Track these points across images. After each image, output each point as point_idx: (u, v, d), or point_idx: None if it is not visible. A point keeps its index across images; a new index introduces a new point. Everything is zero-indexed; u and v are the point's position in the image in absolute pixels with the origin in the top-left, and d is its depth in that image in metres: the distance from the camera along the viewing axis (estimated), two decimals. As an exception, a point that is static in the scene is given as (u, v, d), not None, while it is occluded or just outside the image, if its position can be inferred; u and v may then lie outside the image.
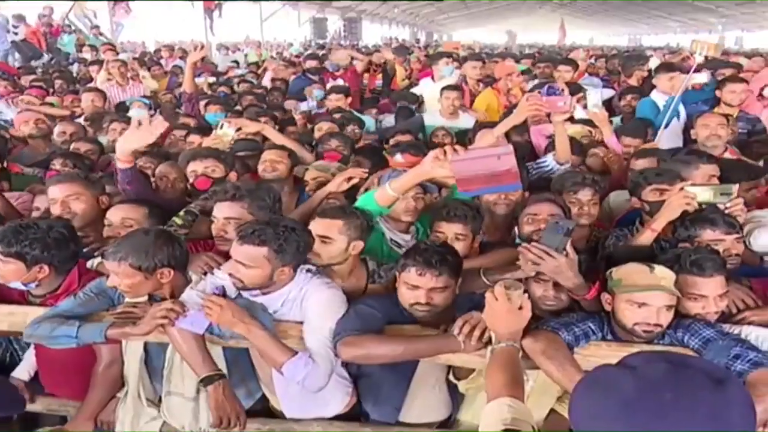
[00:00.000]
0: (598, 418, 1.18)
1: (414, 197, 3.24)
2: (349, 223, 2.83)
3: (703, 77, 5.65)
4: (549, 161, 3.97)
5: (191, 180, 3.63)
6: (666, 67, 5.83)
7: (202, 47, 6.82)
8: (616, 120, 5.57)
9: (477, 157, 2.45)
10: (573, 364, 2.25)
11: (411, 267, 2.56)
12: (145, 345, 2.86)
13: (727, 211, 2.88)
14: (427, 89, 6.85)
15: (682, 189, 2.90)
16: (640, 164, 3.93)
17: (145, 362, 2.90)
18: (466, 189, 2.55)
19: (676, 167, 3.37)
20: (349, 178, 3.53)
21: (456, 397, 2.91)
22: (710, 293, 2.47)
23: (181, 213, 3.17)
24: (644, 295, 2.38)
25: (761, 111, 5.38)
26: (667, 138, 5.03)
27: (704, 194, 2.87)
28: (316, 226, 2.82)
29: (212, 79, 9.26)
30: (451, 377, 2.78)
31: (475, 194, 2.93)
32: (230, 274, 2.60)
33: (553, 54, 12.27)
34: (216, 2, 20.62)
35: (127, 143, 3.28)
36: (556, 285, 2.63)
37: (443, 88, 6.03)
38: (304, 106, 6.08)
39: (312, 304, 2.66)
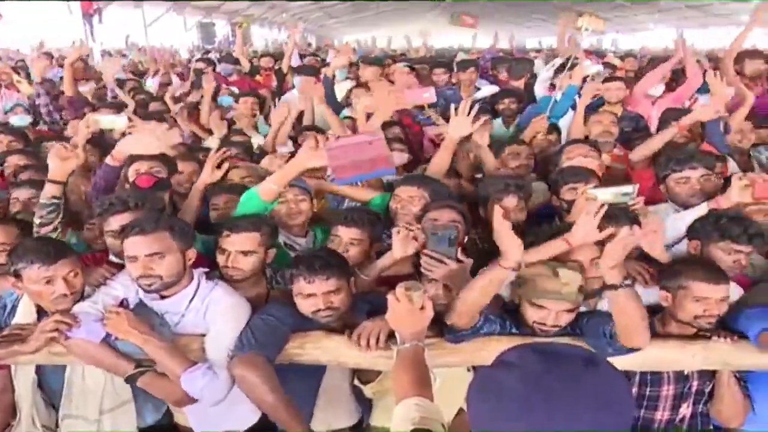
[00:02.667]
0: (497, 422, 1.20)
1: (294, 200, 3.24)
2: (265, 233, 2.83)
3: (597, 68, 5.90)
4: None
5: (132, 178, 3.53)
6: (562, 68, 6.07)
7: (82, 47, 6.51)
8: (498, 121, 5.74)
9: (349, 144, 2.49)
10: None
11: (299, 277, 2.59)
12: (38, 368, 2.73)
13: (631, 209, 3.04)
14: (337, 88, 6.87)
15: (584, 192, 3.02)
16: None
17: (40, 386, 2.76)
18: (341, 176, 2.57)
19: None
20: (220, 165, 3.50)
21: (366, 402, 2.92)
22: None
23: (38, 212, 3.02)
24: (543, 301, 2.49)
25: (651, 109, 5.66)
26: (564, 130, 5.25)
27: (606, 195, 3.01)
28: (235, 242, 2.78)
29: (86, 88, 8.81)
30: (356, 382, 2.79)
31: (350, 181, 2.97)
32: (142, 276, 2.52)
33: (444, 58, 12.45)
34: (95, 7, 19.80)
35: (130, 146, 3.21)
36: (446, 285, 2.70)
37: (352, 88, 6.24)
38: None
39: (215, 313, 2.62)
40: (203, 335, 2.63)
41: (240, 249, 2.77)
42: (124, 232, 2.58)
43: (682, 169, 3.38)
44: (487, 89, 6.61)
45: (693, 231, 3.01)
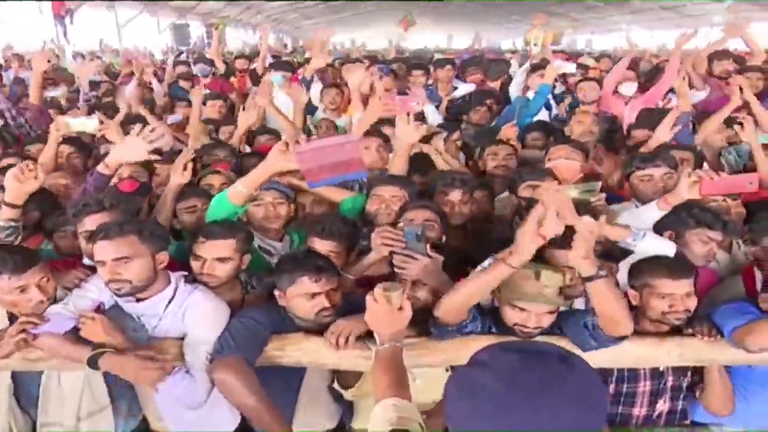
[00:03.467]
0: (476, 421, 1.21)
1: (272, 203, 3.22)
2: (240, 238, 2.81)
3: (571, 67, 5.96)
4: None
5: (114, 182, 3.48)
6: (536, 67, 6.15)
7: (47, 51, 6.43)
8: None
9: (322, 147, 2.45)
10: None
11: (302, 277, 2.56)
12: (14, 375, 2.69)
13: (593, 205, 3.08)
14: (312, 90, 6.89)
15: (548, 189, 3.04)
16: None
17: (17, 394, 2.73)
18: (313, 179, 2.54)
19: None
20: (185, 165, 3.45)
21: (346, 404, 2.93)
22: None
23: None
24: (524, 304, 2.49)
25: (623, 107, 5.72)
26: None
27: (569, 193, 3.03)
28: (210, 249, 2.76)
29: (59, 92, 8.69)
30: (335, 385, 2.78)
31: (321, 184, 2.91)
32: (111, 280, 2.49)
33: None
34: (67, 8, 19.58)
35: (123, 154, 3.17)
36: (414, 284, 2.71)
37: (324, 88, 6.27)
38: (171, 119, 5.80)
39: (194, 316, 2.60)
40: (182, 339, 2.61)
41: (216, 256, 2.75)
42: (92, 236, 2.55)
43: (646, 167, 3.44)
44: (464, 88, 6.65)
45: (668, 221, 3.06)
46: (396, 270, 2.71)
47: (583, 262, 2.35)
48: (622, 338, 2.51)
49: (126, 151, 3.17)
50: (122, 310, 2.62)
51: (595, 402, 1.22)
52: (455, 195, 3.38)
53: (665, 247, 2.84)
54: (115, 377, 2.56)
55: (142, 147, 3.13)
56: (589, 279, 2.36)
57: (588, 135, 4.59)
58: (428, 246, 2.69)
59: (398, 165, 3.66)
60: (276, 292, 2.68)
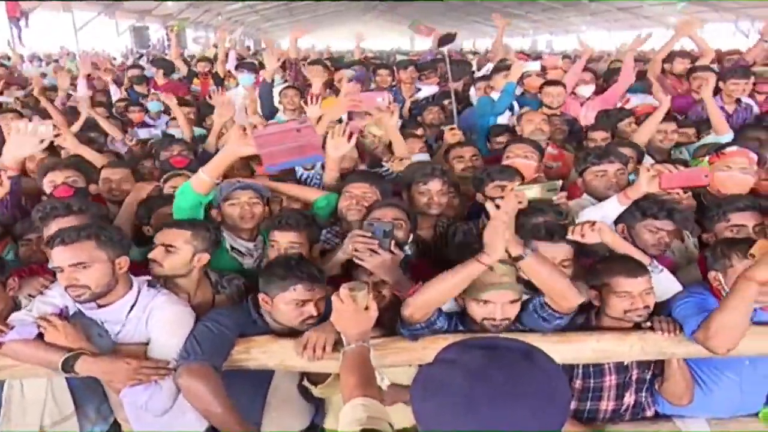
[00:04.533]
0: (444, 420, 1.21)
1: (248, 203, 3.21)
2: (196, 234, 2.80)
3: (536, 65, 6.01)
4: None
5: (49, 190, 3.43)
6: (499, 68, 6.21)
7: None
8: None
9: (278, 132, 2.46)
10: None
11: (298, 284, 2.56)
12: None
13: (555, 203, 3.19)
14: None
15: (512, 189, 3.09)
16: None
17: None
18: (271, 163, 2.53)
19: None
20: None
21: (318, 404, 2.93)
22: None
23: None
24: (487, 295, 2.52)
25: (579, 109, 5.80)
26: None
27: (533, 192, 3.15)
28: (162, 235, 2.78)
29: (20, 93, 8.54)
30: (305, 383, 2.77)
31: (280, 167, 2.91)
32: (69, 287, 2.45)
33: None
34: (21, 10, 19.18)
35: (13, 151, 3.11)
36: (376, 282, 2.74)
37: (282, 89, 6.27)
38: (144, 134, 5.65)
39: (157, 321, 2.58)
40: (146, 344, 2.58)
41: (164, 242, 2.77)
42: (49, 241, 2.52)
43: (600, 163, 3.52)
44: (428, 89, 6.67)
45: (620, 215, 3.15)
46: (355, 260, 2.73)
47: (509, 242, 2.40)
48: (568, 314, 2.57)
49: (15, 147, 3.13)
50: (86, 316, 2.58)
51: (559, 396, 1.23)
52: (434, 185, 3.41)
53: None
54: (81, 382, 2.52)
55: (31, 141, 3.10)
56: (519, 258, 2.42)
57: (539, 134, 4.64)
58: (392, 242, 2.72)
59: (330, 177, 3.70)
60: (260, 296, 2.66)
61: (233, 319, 2.62)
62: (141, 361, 2.45)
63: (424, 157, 4.41)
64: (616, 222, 3.16)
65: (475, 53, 15.38)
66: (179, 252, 2.77)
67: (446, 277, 2.43)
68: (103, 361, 2.44)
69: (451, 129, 4.78)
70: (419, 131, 5.03)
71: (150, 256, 2.76)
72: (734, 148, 3.74)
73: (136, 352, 2.55)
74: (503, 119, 5.58)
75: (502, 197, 2.74)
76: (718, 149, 3.78)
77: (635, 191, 3.08)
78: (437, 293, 2.45)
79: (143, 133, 5.46)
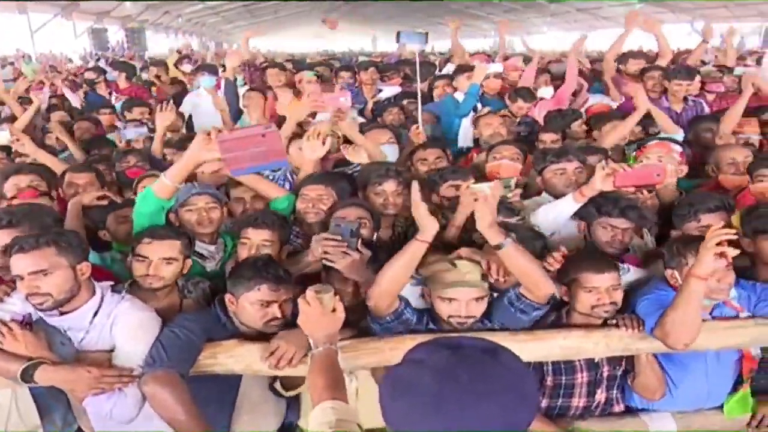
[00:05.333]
0: (414, 420, 1.21)
1: (205, 208, 3.18)
2: (185, 242, 2.81)
3: (498, 67, 6.07)
4: None
5: (10, 194, 3.37)
6: (462, 69, 6.22)
7: None
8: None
9: (242, 137, 2.43)
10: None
11: (263, 284, 2.56)
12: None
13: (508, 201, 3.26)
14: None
15: (467, 187, 3.11)
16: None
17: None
18: (235, 168, 2.51)
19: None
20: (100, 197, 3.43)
21: (290, 401, 2.91)
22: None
23: None
24: (451, 292, 2.56)
25: (533, 110, 5.86)
26: (467, 130, 5.48)
27: (487, 189, 3.12)
28: (157, 249, 2.73)
29: None
30: (277, 386, 2.76)
31: (244, 173, 2.91)
32: (31, 294, 2.40)
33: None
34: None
35: None
36: (341, 280, 2.77)
37: (245, 92, 6.25)
38: (131, 134, 5.50)
39: (122, 328, 2.54)
40: (111, 351, 2.54)
41: (162, 256, 2.73)
42: (6, 250, 2.47)
43: (559, 161, 3.58)
44: (389, 90, 6.69)
45: (579, 213, 3.21)
46: (324, 262, 2.74)
47: (489, 231, 2.49)
48: (546, 303, 2.63)
49: None
50: (48, 324, 2.53)
51: (526, 393, 1.25)
52: (389, 186, 3.42)
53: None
54: (45, 389, 2.48)
55: None
56: (499, 247, 2.48)
57: (497, 137, 4.68)
58: (359, 241, 2.74)
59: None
60: (227, 297, 2.65)
61: (200, 324, 2.60)
62: (103, 370, 2.41)
63: (393, 149, 4.40)
64: (580, 218, 3.23)
65: (440, 54, 15.45)
66: (177, 262, 2.78)
67: (393, 261, 2.50)
68: (64, 370, 2.39)
69: (416, 129, 4.79)
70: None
71: (151, 272, 2.72)
72: (653, 141, 3.90)
73: (100, 359, 2.50)
74: (468, 121, 5.61)
75: (457, 197, 2.78)
76: (641, 144, 3.94)
77: (590, 189, 3.12)
78: (390, 278, 2.50)
79: (130, 134, 5.34)
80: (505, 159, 3.92)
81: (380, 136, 4.47)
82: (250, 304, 2.57)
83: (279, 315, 2.58)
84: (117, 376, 2.42)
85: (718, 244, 2.42)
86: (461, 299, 2.58)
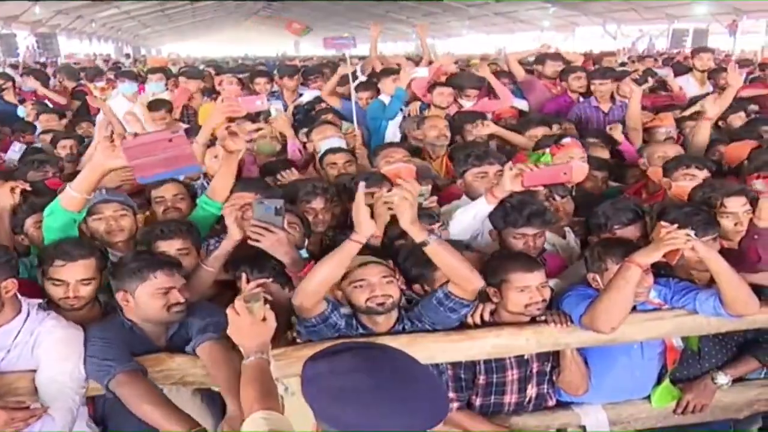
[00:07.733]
0: (354, 424, 1.24)
1: (113, 216, 3.07)
2: (98, 256, 2.71)
3: (424, 71, 6.14)
4: None
5: None
6: (386, 72, 6.24)
7: None
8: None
9: (148, 142, 2.34)
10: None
11: (156, 272, 2.54)
12: None
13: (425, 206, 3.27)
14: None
15: (381, 196, 3.11)
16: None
17: None
18: (143, 175, 2.40)
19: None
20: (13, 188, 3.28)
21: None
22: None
23: None
24: (360, 272, 2.61)
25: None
26: (394, 132, 5.52)
27: (397, 197, 3.13)
28: (73, 271, 2.62)
29: None
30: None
31: (154, 179, 2.75)
32: None
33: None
34: None
35: None
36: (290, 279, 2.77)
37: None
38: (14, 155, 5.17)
39: (46, 347, 2.44)
40: (32, 371, 2.43)
41: (80, 278, 2.62)
42: None
43: (481, 165, 3.61)
44: (310, 94, 6.69)
45: (490, 220, 3.24)
46: (250, 241, 2.73)
47: (412, 228, 2.52)
48: (474, 300, 2.68)
49: None
50: None
51: (430, 391, 1.30)
52: (318, 203, 3.40)
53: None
54: None
55: None
56: (424, 244, 2.52)
57: (443, 139, 4.71)
58: (284, 220, 2.75)
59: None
60: (118, 297, 2.57)
61: (113, 332, 2.55)
62: (10, 413, 2.25)
63: (339, 141, 4.40)
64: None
65: (361, 58, 15.50)
66: (95, 281, 2.70)
67: (326, 260, 2.51)
68: None
69: (351, 129, 4.79)
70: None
71: (70, 294, 2.62)
72: (568, 139, 3.99)
73: (20, 380, 2.40)
74: (394, 123, 5.64)
75: (371, 205, 2.80)
76: (556, 141, 4.02)
77: (500, 190, 3.15)
78: (321, 276, 2.49)
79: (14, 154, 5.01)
80: (399, 162, 3.92)
81: (326, 131, 4.52)
82: (149, 294, 2.52)
83: (181, 300, 2.53)
84: (28, 416, 2.28)
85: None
86: (371, 277, 2.60)
